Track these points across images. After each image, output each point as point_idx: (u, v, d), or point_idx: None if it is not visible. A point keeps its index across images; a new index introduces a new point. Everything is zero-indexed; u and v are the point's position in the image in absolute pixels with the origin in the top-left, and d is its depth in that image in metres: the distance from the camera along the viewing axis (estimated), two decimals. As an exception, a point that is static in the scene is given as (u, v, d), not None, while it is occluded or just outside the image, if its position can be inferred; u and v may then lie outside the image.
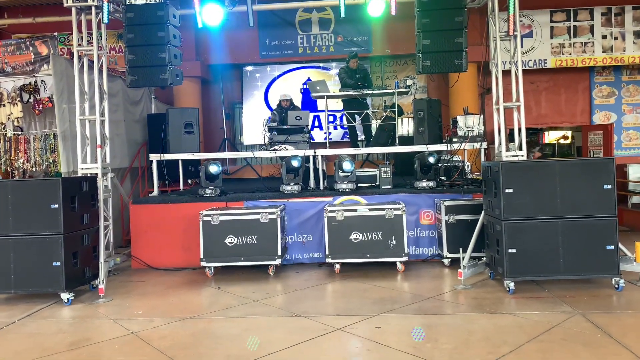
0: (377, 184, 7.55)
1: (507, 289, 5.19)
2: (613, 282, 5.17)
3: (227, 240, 6.32)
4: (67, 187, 5.52)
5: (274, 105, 12.24)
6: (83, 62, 6.70)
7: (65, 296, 5.42)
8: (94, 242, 6.00)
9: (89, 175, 6.49)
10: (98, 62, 6.70)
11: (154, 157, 7.72)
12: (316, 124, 12.13)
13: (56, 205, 5.38)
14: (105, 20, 6.61)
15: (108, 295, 5.67)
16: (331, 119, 11.78)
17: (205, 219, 6.36)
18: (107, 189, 6.78)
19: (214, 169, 7.09)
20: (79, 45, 6.72)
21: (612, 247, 5.09)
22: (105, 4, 6.50)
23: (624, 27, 11.27)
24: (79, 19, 6.76)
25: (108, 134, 6.85)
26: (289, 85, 12.21)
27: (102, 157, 6.68)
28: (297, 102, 11.87)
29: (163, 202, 7.16)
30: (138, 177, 9.56)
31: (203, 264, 6.35)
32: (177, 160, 7.95)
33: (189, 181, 9.37)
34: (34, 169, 8.09)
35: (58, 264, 5.37)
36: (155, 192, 7.72)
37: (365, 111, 9.19)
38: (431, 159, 6.99)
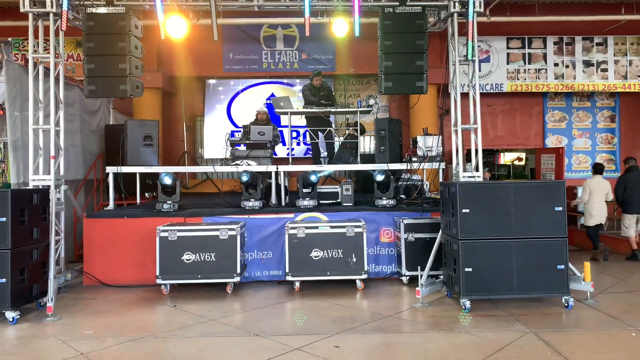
0: (338, 200, 7.59)
1: (463, 307, 5.28)
2: (563, 300, 5.35)
3: (185, 257, 6.18)
4: (16, 199, 5.28)
5: (236, 119, 12.21)
6: (38, 70, 6.48)
7: (10, 315, 5.14)
8: (44, 257, 5.74)
9: (40, 187, 6.23)
10: (54, 70, 6.49)
11: (111, 169, 7.50)
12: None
13: (4, 219, 5.14)
14: (64, 28, 6.42)
15: (57, 313, 5.42)
16: (294, 134, 11.80)
17: (162, 234, 6.20)
18: (60, 201, 6.54)
19: (167, 180, 6.89)
20: (35, 51, 6.50)
21: (562, 266, 5.29)
22: (64, 10, 6.32)
23: (574, 56, 11.89)
24: (36, 24, 6.55)
25: (63, 145, 6.61)
26: (253, 100, 12.15)
27: (56, 169, 6.44)
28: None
29: (118, 217, 6.94)
30: (93, 189, 9.26)
31: (159, 281, 6.17)
32: (135, 173, 7.76)
33: (147, 195, 9.15)
34: (-20, 179, 7.71)
35: (4, 280, 5.10)
36: (111, 205, 7.48)
37: (328, 129, 9.25)
38: (379, 177, 7.06)
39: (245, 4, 7.37)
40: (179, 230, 6.23)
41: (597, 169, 8.44)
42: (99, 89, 6.86)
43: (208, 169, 8.63)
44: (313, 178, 7.08)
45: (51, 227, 5.99)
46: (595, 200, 8.16)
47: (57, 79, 6.56)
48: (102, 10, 6.82)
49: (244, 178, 6.93)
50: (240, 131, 9.17)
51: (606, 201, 8.28)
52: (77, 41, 10.97)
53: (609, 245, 8.19)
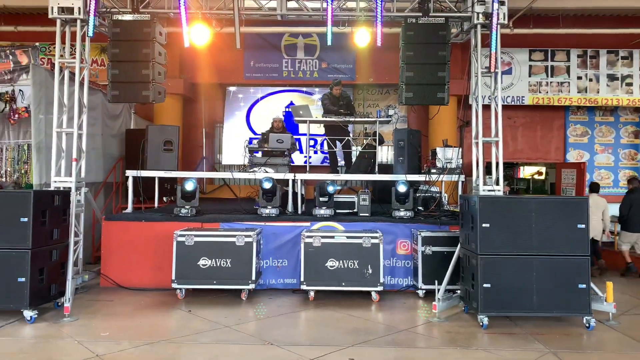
0: (355, 210, 7.55)
1: (481, 323, 5.19)
2: (584, 321, 5.22)
3: (201, 262, 6.20)
4: (38, 200, 5.37)
5: (255, 126, 12.28)
6: (64, 74, 6.60)
7: (28, 314, 5.21)
8: (63, 258, 5.81)
9: (62, 188, 6.33)
10: (79, 75, 6.60)
11: (131, 173, 7.59)
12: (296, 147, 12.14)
13: (25, 219, 5.22)
14: (90, 34, 6.55)
15: (74, 314, 5.47)
16: (312, 142, 11.82)
17: (179, 239, 6.23)
18: (80, 203, 6.62)
19: (189, 186, 6.98)
20: (61, 56, 6.63)
21: (584, 286, 5.16)
22: (92, 18, 6.44)
23: (598, 69, 11.70)
24: (63, 30, 6.69)
25: (84, 148, 6.71)
26: (272, 108, 12.23)
27: (77, 171, 6.53)
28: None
29: (136, 220, 7.01)
30: (112, 192, 9.37)
31: (174, 285, 6.20)
32: (154, 178, 7.83)
33: (164, 199, 9.23)
34: (4, 179, 7.86)
35: (23, 279, 5.17)
36: (129, 208, 7.57)
37: (346, 138, 9.23)
38: (401, 188, 6.99)
39: (268, 13, 7.42)
40: (195, 235, 6.26)
41: (593, 188, 8.86)
42: (122, 94, 6.96)
43: (226, 175, 8.67)
44: (330, 189, 7.05)
45: (71, 229, 6.07)
46: (592, 218, 8.22)
47: (81, 84, 6.68)
48: (128, 17, 6.94)
49: (267, 185, 6.94)
50: (258, 138, 9.24)
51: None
52: (101, 47, 11.16)
53: (613, 260, 8.26)
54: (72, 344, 4.65)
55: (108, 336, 4.86)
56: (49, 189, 6.46)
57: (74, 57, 6.58)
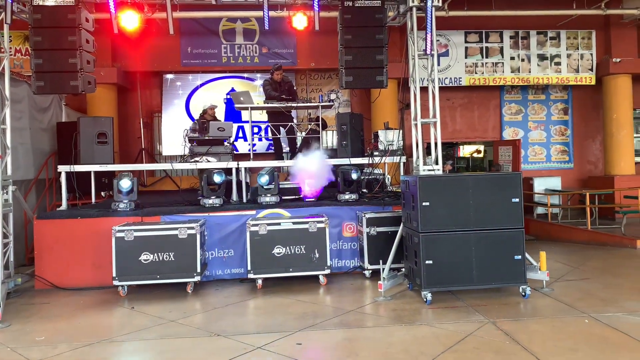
0: (301, 196, 7.54)
1: (425, 299, 5.33)
2: (520, 290, 5.47)
3: (142, 257, 6.00)
4: (-42, 201, 4.99)
5: (195, 115, 11.97)
6: (-19, 65, 6.15)
7: (-46, 323, 4.88)
8: (-9, 261, 5.47)
9: (-14, 188, 5.92)
10: (-1, 66, 6.18)
11: (63, 168, 7.21)
12: (240, 135, 11.96)
13: (-56, 222, 4.85)
14: (8, 21, 6.11)
15: (6, 320, 5.16)
16: (255, 130, 11.67)
17: (118, 234, 6.00)
18: (8, 203, 6.23)
19: (126, 183, 6.69)
20: (-23, 46, 6.16)
21: (519, 257, 5.40)
22: (9, 2, 6.00)
23: (529, 50, 12.21)
24: (-23, 17, 6.21)
25: (10, 144, 6.30)
26: (212, 95, 11.96)
27: (3, 169, 6.13)
28: (221, 111, 11.69)
29: (71, 217, 6.68)
30: (45, 189, 8.89)
31: (116, 282, 5.98)
32: (89, 172, 7.48)
33: (102, 194, 8.86)
34: None
35: (-54, 287, 4.82)
36: (64, 206, 7.20)
37: (290, 124, 9.17)
38: (354, 175, 7.09)
39: (202, -3, 7.20)
40: (135, 230, 6.04)
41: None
42: (48, 85, 6.58)
43: (166, 166, 8.38)
44: (263, 180, 6.93)
45: (-2, 230, 5.70)
46: None
47: (2, 75, 6.25)
48: (50, 2, 6.52)
49: (218, 179, 6.75)
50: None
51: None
52: (24, 35, 10.50)
53: (565, 234, 8.75)
54: (3, 351, 4.38)
55: (44, 340, 4.62)
56: (-29, 188, 6.03)
57: (-8, 46, 6.14)
